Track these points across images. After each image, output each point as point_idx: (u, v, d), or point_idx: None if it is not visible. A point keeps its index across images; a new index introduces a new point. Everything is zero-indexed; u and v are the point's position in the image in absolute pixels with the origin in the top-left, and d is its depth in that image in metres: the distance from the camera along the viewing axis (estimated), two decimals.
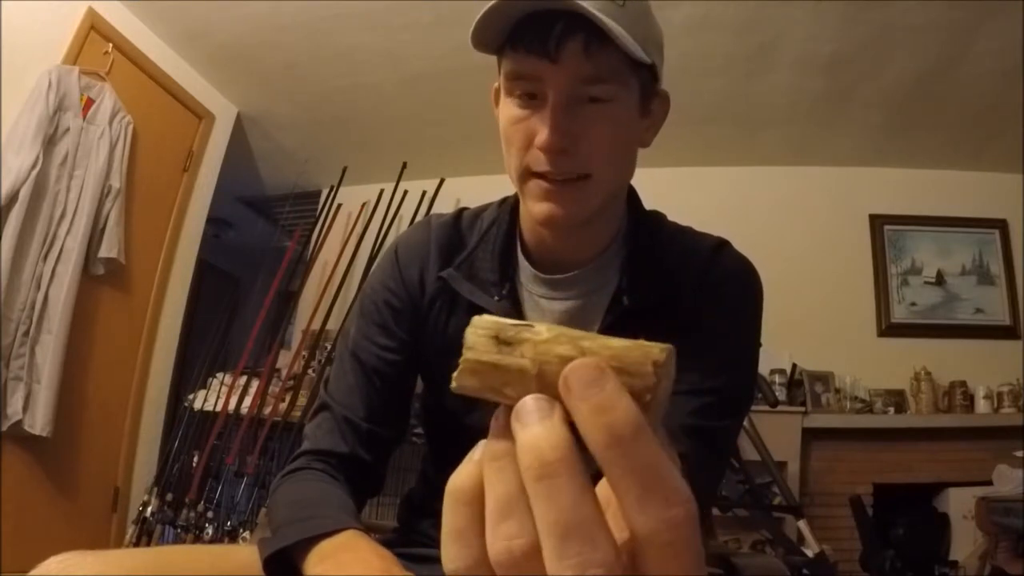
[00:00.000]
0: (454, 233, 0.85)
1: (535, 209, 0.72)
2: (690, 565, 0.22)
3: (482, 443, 0.26)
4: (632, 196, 0.84)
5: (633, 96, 0.72)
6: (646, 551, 0.22)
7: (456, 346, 0.27)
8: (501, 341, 0.27)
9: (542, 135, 0.68)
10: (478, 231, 0.84)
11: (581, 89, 0.68)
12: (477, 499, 0.25)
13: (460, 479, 0.26)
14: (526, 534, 0.23)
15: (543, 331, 0.27)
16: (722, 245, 0.82)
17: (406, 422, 0.87)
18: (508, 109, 0.72)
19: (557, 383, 0.25)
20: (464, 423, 0.76)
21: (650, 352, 0.26)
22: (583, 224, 0.75)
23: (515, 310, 0.78)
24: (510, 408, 0.25)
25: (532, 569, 0.23)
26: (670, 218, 0.88)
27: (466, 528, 0.25)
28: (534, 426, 0.24)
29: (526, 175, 0.72)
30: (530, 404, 0.25)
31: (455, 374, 0.27)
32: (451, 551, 0.25)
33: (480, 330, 0.28)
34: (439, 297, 0.82)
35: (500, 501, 0.24)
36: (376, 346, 0.83)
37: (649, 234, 0.82)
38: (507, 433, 0.25)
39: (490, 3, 0.66)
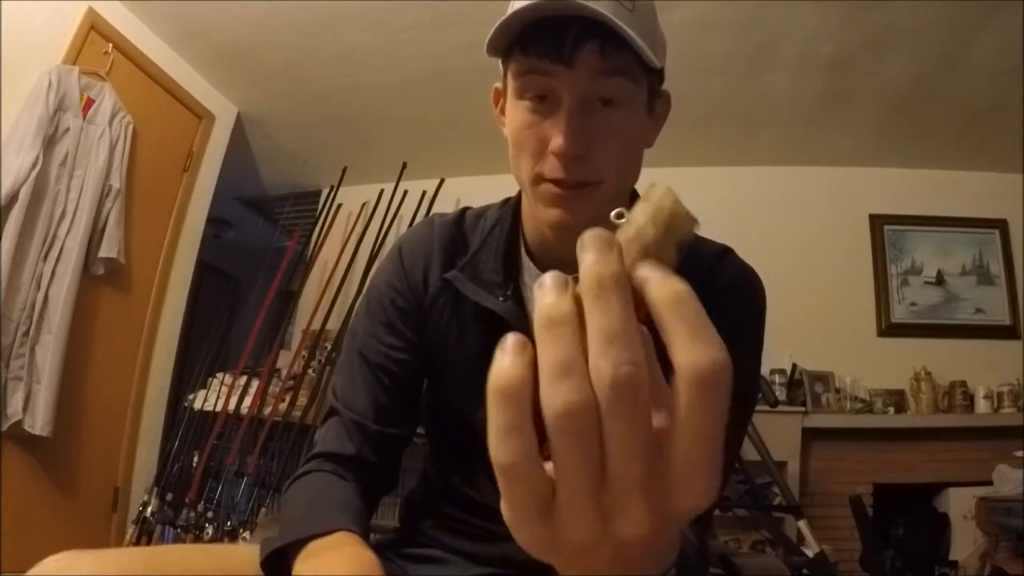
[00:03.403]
0: (457, 233, 0.85)
1: (546, 215, 0.72)
2: (719, 417, 0.26)
3: (511, 335, 0.27)
4: (634, 198, 0.84)
5: (642, 99, 0.73)
6: (683, 393, 0.25)
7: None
8: None
9: (556, 140, 0.68)
10: (481, 232, 0.84)
11: (594, 93, 0.68)
12: (525, 393, 0.26)
13: (505, 376, 0.27)
14: (583, 392, 0.25)
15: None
16: (725, 252, 0.82)
17: (416, 420, 0.86)
18: (518, 113, 0.72)
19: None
20: (468, 422, 0.75)
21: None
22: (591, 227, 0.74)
23: (520, 311, 0.78)
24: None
25: (586, 423, 0.25)
26: None
27: (520, 422, 0.26)
28: (596, 252, 0.28)
29: (538, 180, 0.72)
30: (592, 233, 0.29)
31: None
32: (507, 445, 0.26)
33: None
34: (441, 297, 0.82)
35: (559, 363, 0.26)
36: (383, 345, 0.82)
37: None
38: (560, 300, 0.27)
39: (517, 8, 0.65)
